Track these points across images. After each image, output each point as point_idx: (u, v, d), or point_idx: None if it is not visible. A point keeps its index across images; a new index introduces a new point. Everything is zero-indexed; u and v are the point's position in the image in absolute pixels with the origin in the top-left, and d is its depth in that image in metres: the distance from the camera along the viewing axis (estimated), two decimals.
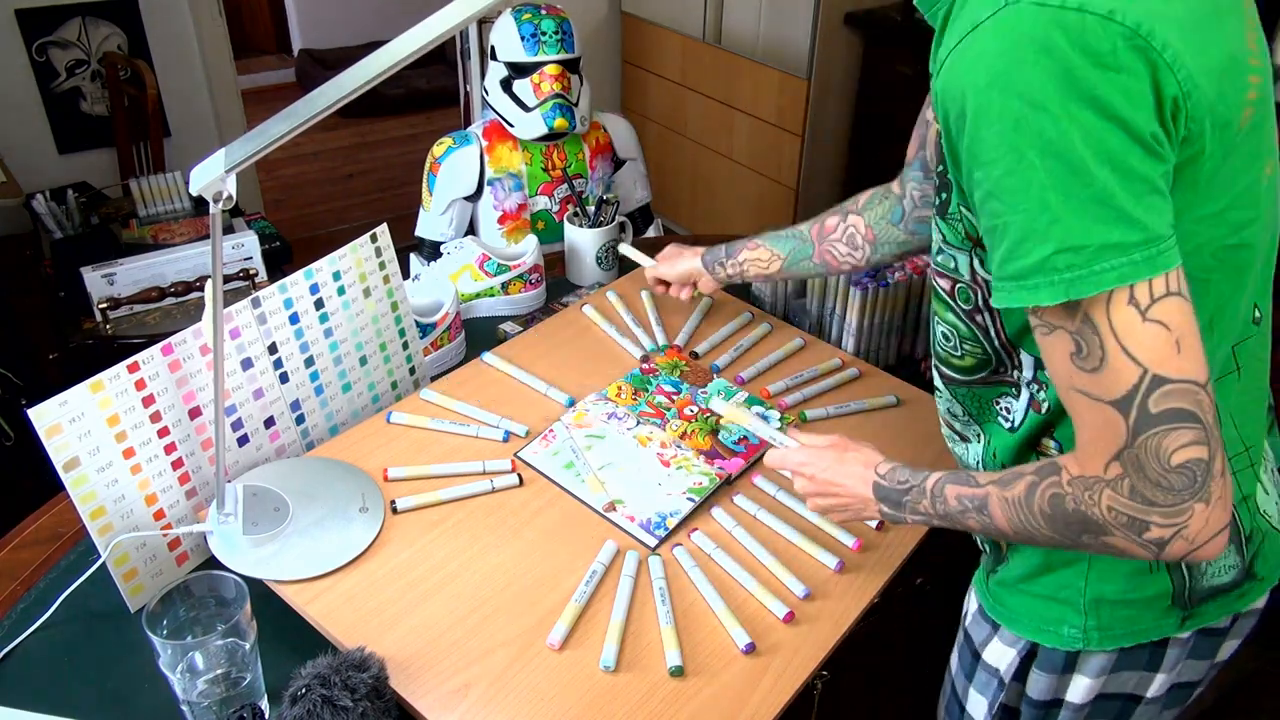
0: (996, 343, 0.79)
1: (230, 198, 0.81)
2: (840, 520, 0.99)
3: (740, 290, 1.44)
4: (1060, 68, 0.58)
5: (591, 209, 1.57)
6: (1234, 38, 0.66)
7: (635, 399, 1.19)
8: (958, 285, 0.79)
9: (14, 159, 2.67)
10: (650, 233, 1.98)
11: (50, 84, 2.84)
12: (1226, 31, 0.65)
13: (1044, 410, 0.77)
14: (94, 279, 1.87)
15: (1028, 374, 0.79)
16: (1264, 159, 0.68)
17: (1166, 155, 0.61)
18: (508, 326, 1.41)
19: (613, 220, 1.54)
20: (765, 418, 1.17)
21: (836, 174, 3.06)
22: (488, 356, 1.27)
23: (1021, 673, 0.86)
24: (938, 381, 0.88)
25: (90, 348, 1.87)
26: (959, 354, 0.83)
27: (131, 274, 1.90)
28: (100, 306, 1.87)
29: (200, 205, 2.38)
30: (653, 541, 1.00)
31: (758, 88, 3.01)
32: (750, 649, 0.89)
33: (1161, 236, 0.60)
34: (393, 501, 1.03)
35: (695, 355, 1.29)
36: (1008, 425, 0.82)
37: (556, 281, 1.57)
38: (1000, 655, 0.87)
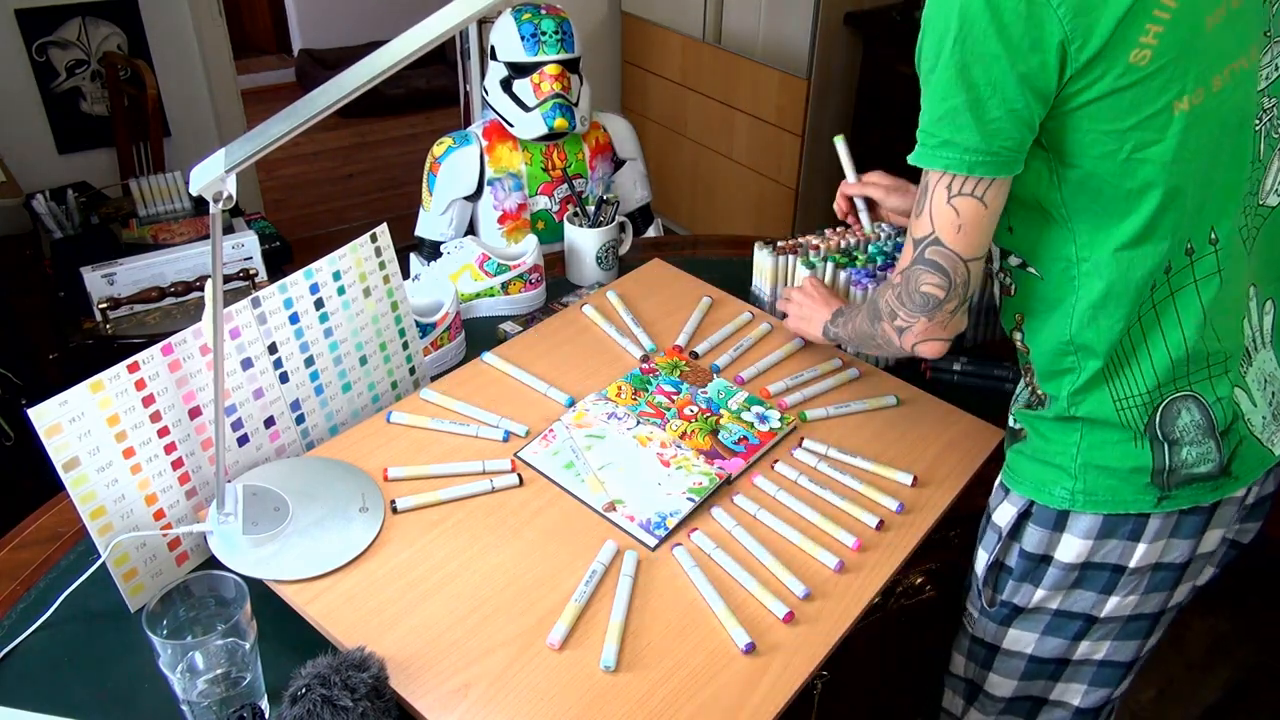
0: None
1: (230, 198, 0.81)
2: (794, 321, 1.30)
3: (740, 290, 1.44)
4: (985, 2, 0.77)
5: (591, 209, 1.57)
6: None
7: (635, 399, 1.19)
8: None
9: (14, 159, 2.68)
10: (650, 232, 1.98)
11: (50, 84, 2.85)
12: None
13: (1013, 292, 0.97)
14: (94, 279, 1.87)
15: (996, 264, 0.98)
16: (1171, 93, 0.79)
17: (1044, 87, 0.79)
18: (508, 326, 1.41)
19: (613, 220, 1.54)
20: (765, 418, 1.17)
21: (836, 174, 3.06)
22: (488, 356, 1.27)
23: (1016, 530, 1.00)
24: None
25: (90, 348, 1.87)
26: None
27: (131, 274, 1.90)
28: (100, 306, 1.87)
29: (200, 205, 2.39)
30: (653, 541, 1.00)
31: (758, 88, 3.01)
32: (750, 649, 0.89)
33: (992, 152, 0.81)
34: (393, 501, 1.03)
35: (695, 355, 1.29)
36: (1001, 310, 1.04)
37: (556, 281, 1.57)
38: (1004, 514, 1.01)
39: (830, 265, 1.32)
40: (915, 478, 1.09)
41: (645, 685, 0.86)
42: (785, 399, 1.21)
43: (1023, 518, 0.98)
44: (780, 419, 1.17)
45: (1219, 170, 0.84)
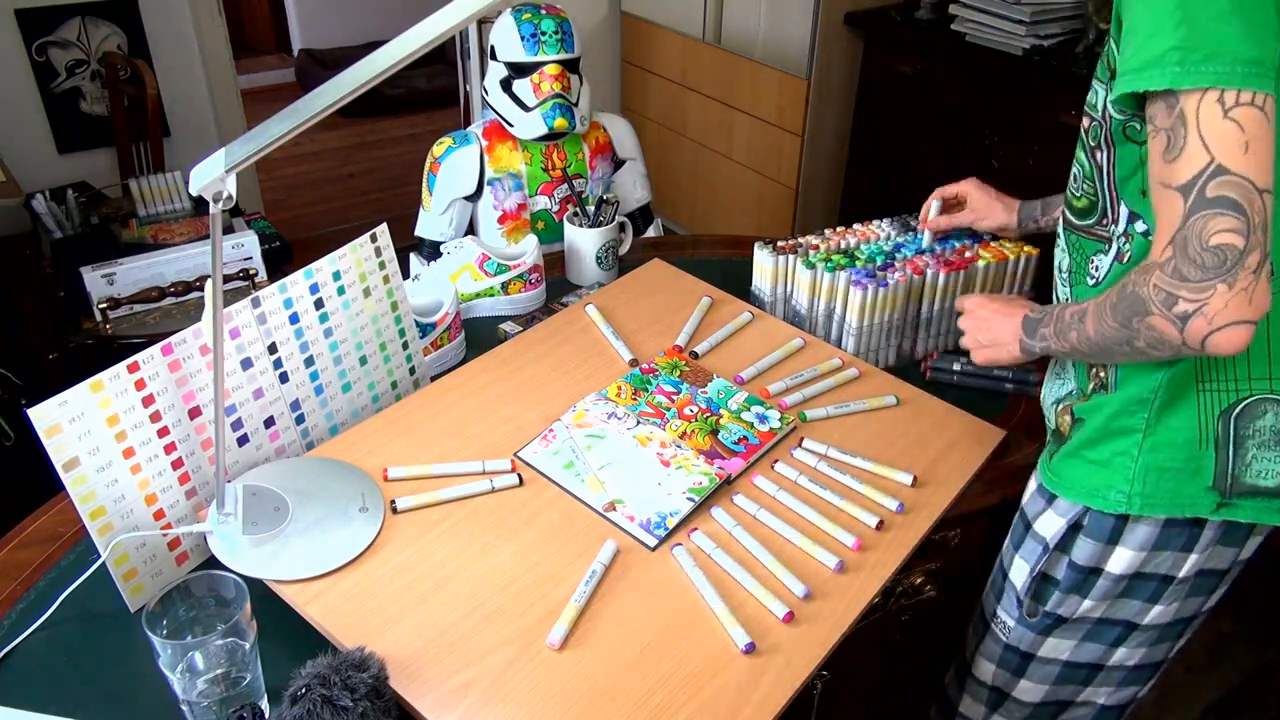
0: (1106, 183, 0.89)
1: (230, 198, 0.81)
2: (984, 351, 1.04)
3: (740, 290, 1.44)
4: None
5: (591, 209, 1.57)
6: None
7: (635, 399, 1.19)
8: (1092, 123, 0.89)
9: (14, 159, 2.67)
10: (650, 232, 1.98)
11: (50, 84, 2.85)
12: None
13: (1126, 260, 0.88)
14: (94, 279, 1.87)
15: (1120, 226, 0.88)
16: None
17: None
18: (508, 326, 1.42)
19: (612, 220, 1.54)
20: (765, 418, 1.17)
21: (836, 174, 3.06)
22: (488, 356, 1.27)
23: (1065, 543, 0.96)
24: (1059, 228, 1.00)
25: (90, 348, 1.87)
26: (1078, 194, 0.94)
27: (131, 274, 1.90)
28: (100, 306, 1.87)
29: (200, 205, 2.39)
30: (653, 541, 1.00)
31: (758, 88, 3.01)
32: (750, 649, 0.89)
33: (1262, 63, 0.69)
34: (393, 501, 1.03)
35: (695, 355, 1.29)
36: (1092, 282, 0.93)
37: (556, 281, 1.57)
38: (1050, 525, 0.97)
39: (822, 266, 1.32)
40: (915, 478, 1.09)
41: (645, 685, 0.86)
42: (785, 399, 1.21)
43: (1073, 529, 0.95)
44: (780, 419, 1.17)
45: None
